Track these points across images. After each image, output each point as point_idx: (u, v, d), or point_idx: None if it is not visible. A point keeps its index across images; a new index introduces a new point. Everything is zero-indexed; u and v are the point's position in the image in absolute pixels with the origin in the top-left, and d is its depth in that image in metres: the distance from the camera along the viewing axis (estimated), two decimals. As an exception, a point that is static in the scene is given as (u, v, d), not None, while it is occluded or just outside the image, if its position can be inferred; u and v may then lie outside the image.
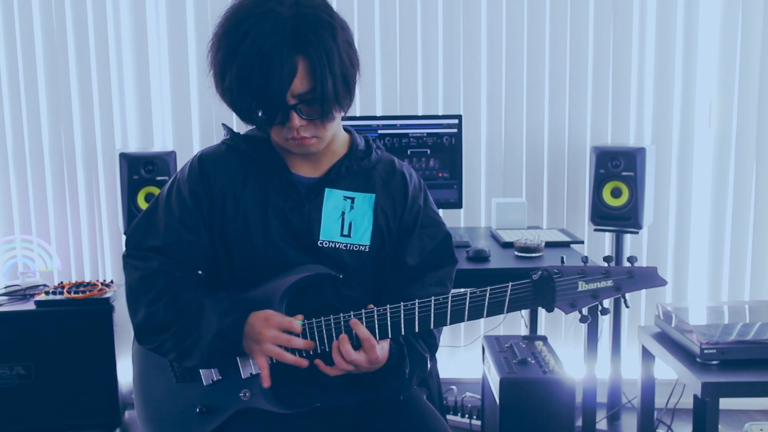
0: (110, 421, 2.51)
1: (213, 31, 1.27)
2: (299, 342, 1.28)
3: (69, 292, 2.50)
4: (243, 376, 1.34)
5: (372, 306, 1.30)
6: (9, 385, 2.43)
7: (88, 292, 2.50)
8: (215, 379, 1.36)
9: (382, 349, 1.28)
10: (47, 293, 2.50)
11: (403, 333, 1.28)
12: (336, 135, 1.40)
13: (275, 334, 1.26)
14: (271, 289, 1.33)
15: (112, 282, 2.65)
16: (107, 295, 2.50)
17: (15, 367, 2.44)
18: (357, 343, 1.26)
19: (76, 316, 2.45)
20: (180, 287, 1.34)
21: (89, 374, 2.47)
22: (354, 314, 1.29)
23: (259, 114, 1.25)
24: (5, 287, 2.66)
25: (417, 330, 1.28)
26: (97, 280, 2.66)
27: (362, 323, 1.27)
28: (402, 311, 1.27)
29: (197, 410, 1.37)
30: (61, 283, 2.66)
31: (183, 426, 1.38)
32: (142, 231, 1.40)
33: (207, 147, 1.46)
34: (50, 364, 2.45)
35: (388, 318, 1.27)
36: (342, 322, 1.29)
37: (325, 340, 1.30)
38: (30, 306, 2.47)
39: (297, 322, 1.28)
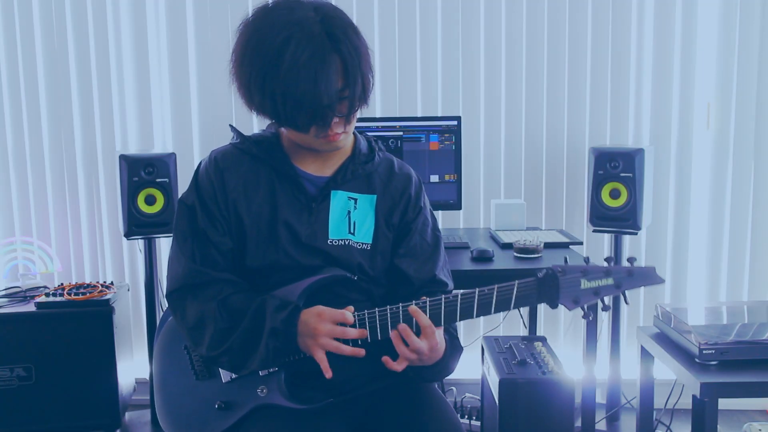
0: (110, 422, 2.51)
1: (239, 42, 1.32)
2: (353, 332, 1.31)
3: (69, 294, 2.50)
4: (261, 374, 1.39)
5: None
6: (9, 387, 2.43)
7: (88, 294, 2.51)
8: (234, 376, 1.41)
9: (440, 336, 1.33)
10: (47, 295, 2.51)
11: (414, 330, 1.31)
12: None
13: (330, 328, 1.30)
14: (289, 290, 1.38)
15: (112, 284, 2.65)
16: (107, 296, 2.50)
17: (15, 369, 2.44)
18: (416, 331, 1.31)
19: (77, 318, 2.46)
20: (230, 298, 1.38)
21: (89, 376, 2.47)
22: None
23: (301, 118, 1.29)
24: (5, 289, 2.66)
25: None
26: (98, 282, 2.67)
27: (401, 318, 1.31)
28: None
29: (216, 406, 1.41)
30: (62, 284, 2.67)
31: (202, 421, 1.42)
32: (183, 270, 1.41)
33: (218, 147, 1.49)
34: (51, 365, 2.45)
35: (400, 316, 1.31)
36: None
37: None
38: (30, 308, 2.48)
39: (349, 313, 1.32)
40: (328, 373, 1.30)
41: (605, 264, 1.31)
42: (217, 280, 1.39)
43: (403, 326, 1.29)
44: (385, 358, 1.31)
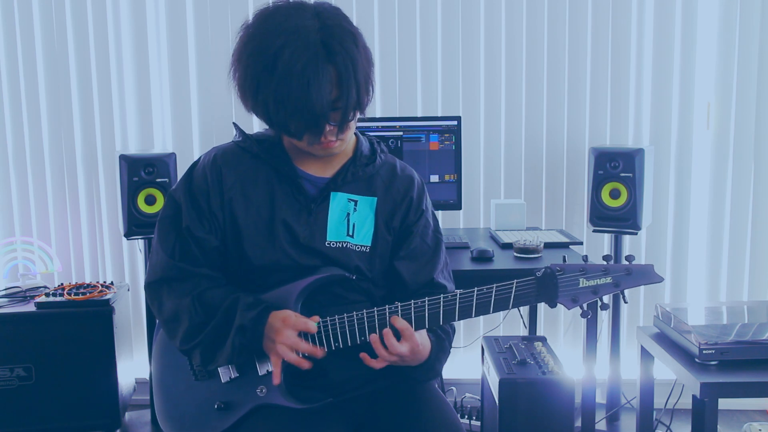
0: (110, 422, 2.51)
1: (238, 45, 1.32)
2: (305, 347, 1.33)
3: (69, 294, 2.50)
4: (260, 373, 1.40)
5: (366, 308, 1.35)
6: (9, 387, 2.43)
7: (88, 294, 2.51)
8: (233, 376, 1.42)
9: (421, 336, 1.34)
10: (47, 295, 2.50)
11: (414, 330, 1.32)
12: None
13: (289, 335, 1.31)
14: (287, 290, 1.39)
15: (112, 284, 2.65)
16: (107, 296, 2.50)
17: (15, 369, 2.44)
18: (397, 335, 1.32)
19: (77, 318, 2.45)
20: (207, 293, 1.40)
21: (89, 376, 2.47)
22: (367, 312, 1.34)
23: (293, 125, 1.30)
24: (6, 289, 2.66)
25: (427, 326, 1.33)
26: (98, 282, 2.67)
27: (376, 320, 1.33)
28: (413, 309, 1.32)
29: (215, 406, 1.41)
30: (62, 284, 2.66)
31: (201, 422, 1.43)
32: (160, 264, 1.42)
33: (221, 144, 1.50)
34: (51, 365, 2.45)
35: (399, 315, 1.32)
36: (355, 320, 1.34)
37: (340, 338, 1.35)
38: (30, 308, 2.47)
39: (312, 324, 1.33)
40: (276, 380, 1.32)
41: (604, 262, 1.31)
42: (194, 274, 1.40)
43: (385, 331, 1.31)
44: (363, 355, 1.32)
